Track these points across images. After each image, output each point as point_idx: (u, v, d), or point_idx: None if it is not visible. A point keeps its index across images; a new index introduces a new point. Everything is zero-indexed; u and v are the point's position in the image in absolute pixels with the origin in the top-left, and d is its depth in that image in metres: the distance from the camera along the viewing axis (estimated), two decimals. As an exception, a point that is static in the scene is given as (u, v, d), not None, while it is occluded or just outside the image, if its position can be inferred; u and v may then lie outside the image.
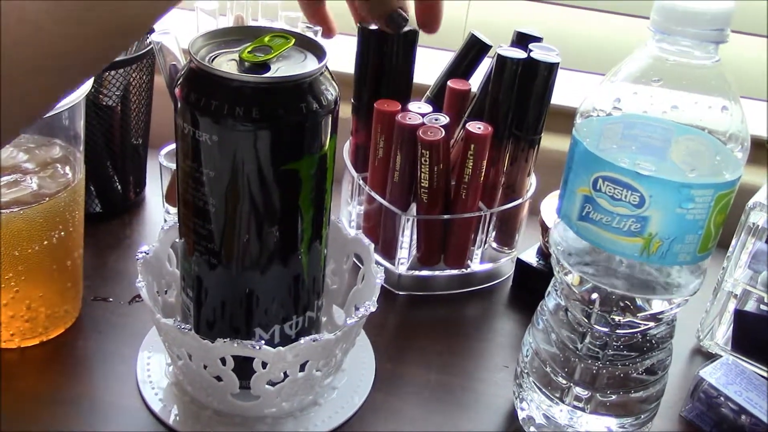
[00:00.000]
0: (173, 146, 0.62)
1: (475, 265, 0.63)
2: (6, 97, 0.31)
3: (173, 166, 0.61)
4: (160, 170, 0.62)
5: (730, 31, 0.39)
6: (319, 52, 0.42)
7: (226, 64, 0.40)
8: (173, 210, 0.64)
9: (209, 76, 0.39)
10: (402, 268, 0.61)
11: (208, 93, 0.39)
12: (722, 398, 0.50)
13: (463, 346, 0.57)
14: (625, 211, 0.40)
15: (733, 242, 0.56)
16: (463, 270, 0.62)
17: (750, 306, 0.57)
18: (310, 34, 0.54)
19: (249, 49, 0.41)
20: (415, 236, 0.60)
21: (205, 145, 0.40)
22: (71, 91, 0.35)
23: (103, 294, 0.57)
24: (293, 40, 0.42)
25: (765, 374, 0.54)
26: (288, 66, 0.41)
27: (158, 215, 0.68)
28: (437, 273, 0.62)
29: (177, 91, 0.40)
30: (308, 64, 0.41)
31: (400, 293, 0.61)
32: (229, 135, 0.39)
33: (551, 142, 0.67)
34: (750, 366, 0.54)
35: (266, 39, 0.42)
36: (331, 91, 0.41)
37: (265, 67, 0.40)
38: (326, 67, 0.41)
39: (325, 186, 0.44)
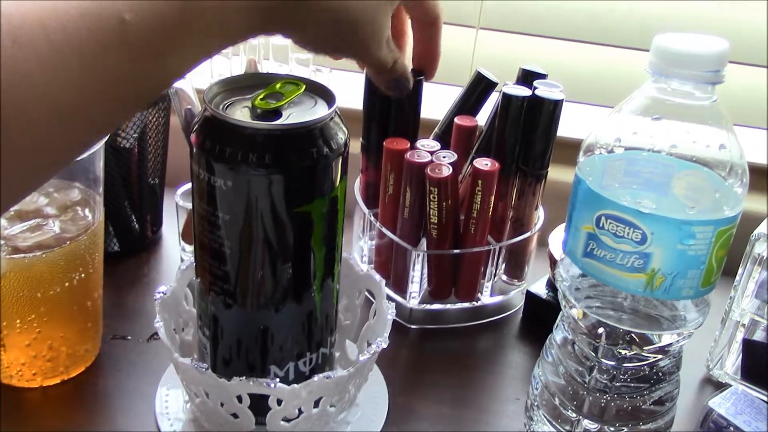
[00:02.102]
0: (189, 186, 0.64)
1: (486, 298, 0.64)
2: (27, 148, 0.31)
3: (189, 205, 0.63)
4: (176, 209, 0.64)
5: (725, 71, 0.40)
6: (328, 97, 0.43)
7: (240, 111, 0.42)
8: (189, 248, 0.65)
9: (223, 124, 0.40)
10: (413, 302, 0.62)
11: (223, 140, 0.40)
12: (732, 428, 0.50)
13: (475, 378, 0.58)
14: (627, 247, 0.41)
15: (740, 272, 0.56)
16: (474, 303, 0.63)
17: (758, 335, 0.58)
18: (320, 78, 0.56)
19: (261, 96, 0.42)
20: (425, 270, 0.61)
21: (220, 190, 0.41)
22: (85, 148, 0.36)
23: (122, 332, 0.59)
24: (304, 87, 0.44)
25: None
26: (299, 112, 0.42)
27: (175, 253, 0.69)
28: (448, 306, 0.63)
29: (192, 138, 0.42)
30: (319, 110, 0.42)
31: (412, 326, 0.62)
32: (244, 180, 0.41)
33: (559, 174, 0.68)
34: (759, 395, 0.55)
35: (278, 86, 0.43)
36: (340, 135, 0.43)
37: (277, 113, 0.42)
38: (336, 112, 0.43)
39: (337, 225, 0.45)
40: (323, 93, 0.44)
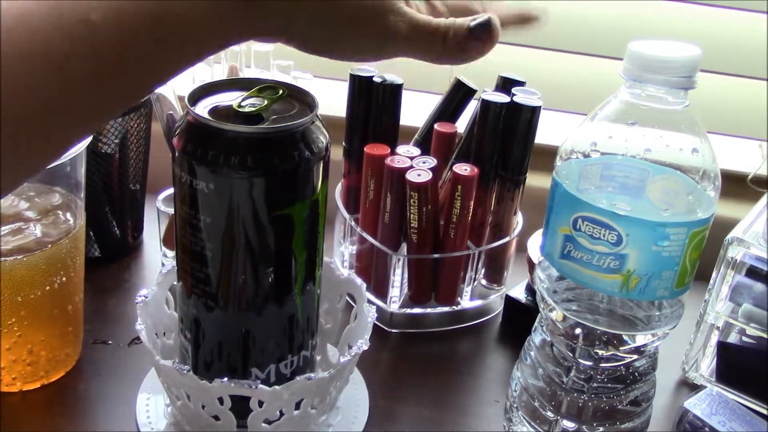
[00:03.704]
0: (170, 191, 0.64)
1: (465, 302, 0.64)
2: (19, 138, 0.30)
3: (170, 210, 0.63)
4: (157, 215, 0.64)
5: (697, 77, 0.41)
6: (309, 102, 0.44)
7: (222, 115, 0.42)
8: (171, 253, 0.65)
9: (205, 128, 0.41)
10: (394, 306, 0.62)
11: (205, 143, 0.41)
12: (707, 429, 0.51)
13: (455, 382, 0.58)
14: (604, 249, 0.41)
15: (714, 276, 0.57)
16: (454, 307, 0.64)
17: (732, 338, 0.59)
18: (301, 83, 0.57)
19: (243, 100, 0.43)
20: (406, 275, 0.62)
21: (202, 193, 0.42)
22: (55, 156, 0.33)
23: (103, 337, 0.59)
24: (285, 91, 0.44)
25: (748, 404, 0.55)
26: (280, 116, 0.43)
27: (156, 259, 0.69)
28: (428, 310, 0.64)
29: (175, 141, 0.42)
30: (300, 114, 0.43)
31: (393, 331, 0.63)
32: (225, 183, 0.41)
33: (537, 181, 0.69)
34: (734, 396, 0.56)
35: (259, 90, 0.44)
36: (321, 138, 0.43)
37: (258, 117, 0.42)
38: (317, 116, 0.43)
39: (318, 229, 0.46)
40: (304, 97, 0.45)
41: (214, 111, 0.42)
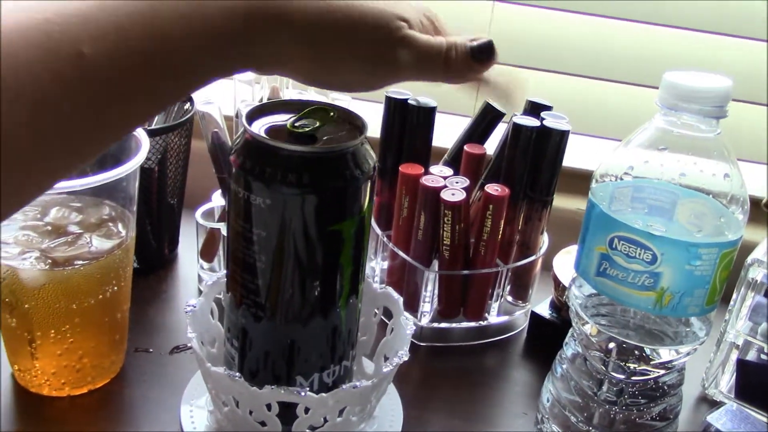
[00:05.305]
0: (209, 206, 0.67)
1: (492, 318, 0.66)
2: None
3: (209, 224, 0.65)
4: (196, 228, 0.66)
5: (729, 106, 0.43)
6: (359, 123, 0.46)
7: (277, 134, 0.44)
8: (207, 265, 0.67)
9: (263, 146, 0.43)
10: (424, 320, 0.65)
11: (262, 161, 0.43)
12: (729, 442, 0.53)
13: (484, 394, 0.60)
14: (639, 267, 0.44)
15: (734, 296, 0.60)
16: (481, 322, 0.66)
17: (751, 355, 0.61)
18: (343, 104, 0.59)
19: (296, 121, 0.45)
20: (436, 290, 0.64)
21: (257, 208, 0.44)
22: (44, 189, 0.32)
23: (144, 345, 0.61)
24: (335, 113, 0.47)
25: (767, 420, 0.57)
26: (331, 136, 0.45)
27: (191, 271, 0.71)
28: (454, 325, 0.66)
29: (232, 159, 0.45)
30: (350, 135, 0.45)
31: (422, 344, 0.65)
32: (280, 199, 0.43)
33: (562, 202, 0.71)
34: (753, 413, 0.58)
35: (311, 111, 0.46)
36: (369, 159, 0.45)
37: (311, 137, 0.45)
38: (366, 137, 0.46)
39: (363, 244, 0.48)
40: (353, 119, 0.47)
41: (270, 130, 0.45)
